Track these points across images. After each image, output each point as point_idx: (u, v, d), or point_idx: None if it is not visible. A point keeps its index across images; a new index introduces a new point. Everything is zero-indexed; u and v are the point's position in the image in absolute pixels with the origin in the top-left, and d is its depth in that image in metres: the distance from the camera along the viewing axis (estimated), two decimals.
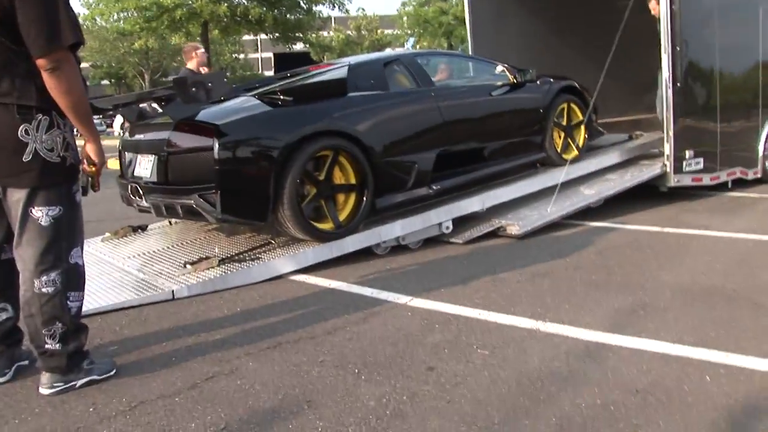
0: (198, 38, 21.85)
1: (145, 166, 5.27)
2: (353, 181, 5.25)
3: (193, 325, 3.94)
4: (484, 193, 6.14)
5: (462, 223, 6.03)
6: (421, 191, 5.66)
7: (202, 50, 8.34)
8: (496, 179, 6.43)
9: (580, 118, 7.27)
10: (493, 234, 6.01)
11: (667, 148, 7.35)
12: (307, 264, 4.99)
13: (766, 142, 8.35)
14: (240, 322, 3.97)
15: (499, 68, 6.71)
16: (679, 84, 7.28)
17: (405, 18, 38.29)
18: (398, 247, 5.58)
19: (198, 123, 4.80)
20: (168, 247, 5.63)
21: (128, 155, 5.62)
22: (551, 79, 7.10)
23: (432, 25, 34.53)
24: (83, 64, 45.10)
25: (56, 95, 2.72)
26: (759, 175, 8.47)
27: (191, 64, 8.18)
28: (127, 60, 37.69)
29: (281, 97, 5.09)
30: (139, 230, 6.35)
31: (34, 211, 2.87)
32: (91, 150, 2.98)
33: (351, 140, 5.16)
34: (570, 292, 4.35)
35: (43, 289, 2.91)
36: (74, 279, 3.01)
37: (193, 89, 4.58)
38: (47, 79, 2.69)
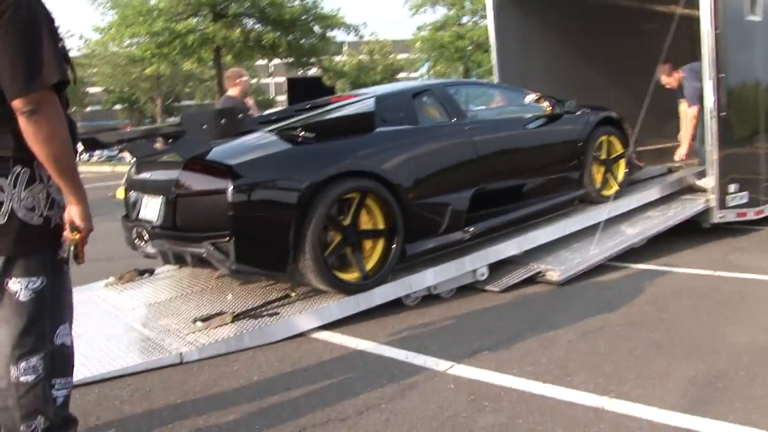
0: (210, 63, 21.55)
1: (151, 209, 4.79)
2: (381, 226, 4.74)
3: (203, 400, 3.42)
4: (521, 236, 5.62)
5: (497, 267, 5.51)
6: (456, 235, 5.14)
7: (246, 77, 7.60)
8: (533, 219, 5.92)
9: (620, 151, 6.77)
10: (531, 279, 5.49)
11: (711, 182, 6.86)
12: (331, 320, 4.47)
13: None
14: (257, 395, 3.44)
15: (535, 97, 6.22)
16: (723, 113, 6.78)
17: (419, 43, 37.87)
18: (429, 297, 5.06)
19: (209, 163, 4.32)
20: (177, 296, 5.13)
21: (133, 195, 5.15)
22: (588, 110, 6.59)
23: (448, 50, 34.04)
24: (95, 89, 44.96)
25: (33, 143, 2.21)
26: None
27: (233, 91, 7.45)
28: (138, 86, 37.49)
29: (302, 133, 4.60)
30: (147, 274, 5.85)
31: (10, 283, 2.35)
32: (75, 213, 2.38)
33: (379, 181, 4.66)
34: (630, 356, 3.81)
35: (22, 378, 2.38)
36: (60, 363, 2.48)
37: (204, 126, 4.08)
38: (23, 124, 2.18)
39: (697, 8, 6.76)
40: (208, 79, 38.55)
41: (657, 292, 5.12)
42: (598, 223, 6.04)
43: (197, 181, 4.41)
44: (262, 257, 4.34)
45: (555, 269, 5.46)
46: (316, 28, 24.04)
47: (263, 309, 4.48)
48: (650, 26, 11.13)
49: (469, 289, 5.30)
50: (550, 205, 6.06)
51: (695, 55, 11.39)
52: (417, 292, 4.93)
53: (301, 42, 23.85)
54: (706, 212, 6.92)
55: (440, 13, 37.03)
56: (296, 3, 22.67)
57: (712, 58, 6.69)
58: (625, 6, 10.44)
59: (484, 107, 6.77)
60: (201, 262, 4.42)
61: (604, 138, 6.59)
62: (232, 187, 4.15)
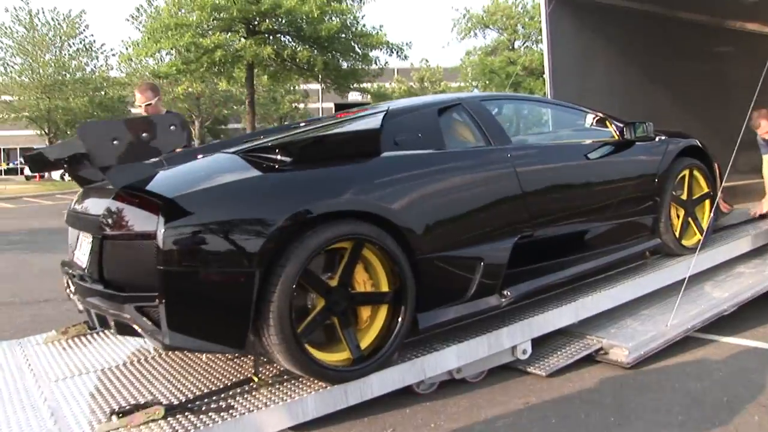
0: (243, 83, 20.46)
1: (84, 251, 3.60)
2: (385, 287, 3.40)
3: None
4: (577, 299, 4.26)
5: (542, 340, 4.18)
6: (489, 300, 3.76)
7: (150, 102, 5.54)
8: (592, 277, 4.57)
9: (705, 189, 5.38)
10: (589, 357, 4.15)
11: None
12: (305, 419, 3.16)
13: None
14: None
15: (599, 119, 4.89)
16: None
17: (469, 68, 36.75)
18: (450, 381, 3.74)
19: (140, 194, 3.06)
20: (122, 365, 3.91)
21: (72, 232, 3.98)
22: (664, 137, 5.22)
23: (498, 76, 32.78)
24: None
25: None
26: None
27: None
28: (176, 106, 36.66)
29: (277, 156, 3.33)
30: (98, 329, 4.62)
31: None
32: None
33: (383, 226, 3.34)
34: None
35: None
36: None
37: (114, 141, 2.78)
38: None
39: None
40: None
41: (762, 388, 3.73)
42: (678, 283, 4.69)
43: (125, 219, 3.17)
44: (207, 328, 3.03)
45: (621, 346, 4.12)
46: (357, 48, 22.88)
47: (212, 399, 3.20)
48: (725, 48, 9.85)
49: (505, 369, 3.97)
50: (616, 259, 4.69)
51: None
52: (433, 378, 3.61)
53: (340, 62, 22.69)
54: None
55: (490, 37, 36.24)
56: (335, 20, 21.42)
57: None
58: (698, 22, 9.17)
59: (532, 129, 5.45)
60: (128, 330, 3.16)
61: (686, 173, 5.21)
62: (164, 229, 2.89)
